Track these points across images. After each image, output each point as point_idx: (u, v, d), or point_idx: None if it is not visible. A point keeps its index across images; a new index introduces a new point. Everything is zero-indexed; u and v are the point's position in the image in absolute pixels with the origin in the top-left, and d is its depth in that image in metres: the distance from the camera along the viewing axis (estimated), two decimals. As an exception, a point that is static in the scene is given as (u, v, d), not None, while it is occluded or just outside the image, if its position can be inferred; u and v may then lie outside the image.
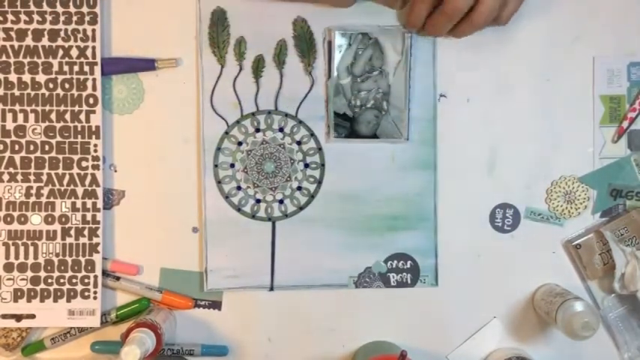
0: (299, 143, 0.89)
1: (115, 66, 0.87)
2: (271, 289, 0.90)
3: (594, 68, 0.90)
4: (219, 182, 0.89)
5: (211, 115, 0.88)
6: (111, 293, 0.89)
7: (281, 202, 0.89)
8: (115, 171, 0.89)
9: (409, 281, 0.90)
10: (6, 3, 0.86)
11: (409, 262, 0.90)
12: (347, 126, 0.89)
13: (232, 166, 0.89)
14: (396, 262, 0.90)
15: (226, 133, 0.89)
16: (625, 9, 0.90)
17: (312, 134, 0.89)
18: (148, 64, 0.87)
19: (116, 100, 0.88)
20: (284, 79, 0.88)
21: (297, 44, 0.88)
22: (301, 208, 0.89)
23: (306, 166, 0.89)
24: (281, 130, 0.89)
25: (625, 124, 0.90)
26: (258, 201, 0.89)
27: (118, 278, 0.89)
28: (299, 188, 0.89)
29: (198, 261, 0.89)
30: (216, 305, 0.90)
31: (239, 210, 0.89)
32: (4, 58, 0.86)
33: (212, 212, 0.89)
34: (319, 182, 0.89)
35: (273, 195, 0.89)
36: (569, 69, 0.90)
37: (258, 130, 0.89)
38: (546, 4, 0.89)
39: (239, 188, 0.89)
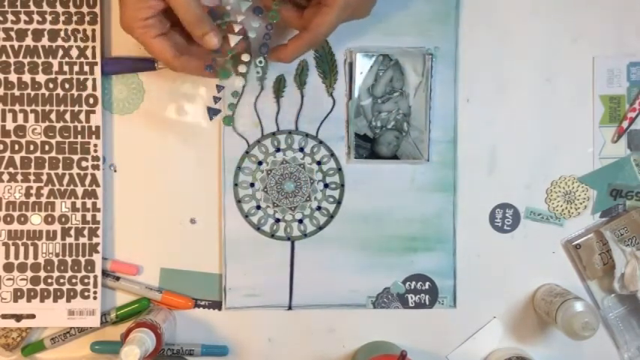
0: (319, 163, 0.89)
1: (115, 66, 0.87)
2: (289, 308, 0.90)
3: (594, 68, 0.90)
4: (238, 201, 0.89)
5: (232, 134, 0.88)
6: (111, 293, 0.89)
7: (300, 221, 0.89)
8: (115, 171, 0.89)
9: (427, 302, 0.90)
10: (6, 3, 0.86)
11: (427, 284, 0.90)
12: (367, 147, 0.89)
13: (252, 185, 0.89)
14: (414, 283, 0.90)
15: (247, 152, 0.89)
16: (625, 9, 0.89)
17: (332, 154, 0.89)
18: (147, 64, 0.87)
19: (116, 100, 0.88)
20: (305, 100, 0.88)
21: (318, 65, 0.88)
22: (320, 228, 0.90)
23: (326, 186, 0.89)
24: (301, 150, 0.89)
25: (625, 124, 0.90)
26: (277, 220, 0.89)
27: (117, 278, 0.89)
28: (318, 208, 0.89)
29: (197, 261, 0.89)
30: (216, 305, 0.90)
31: (258, 229, 0.89)
32: (4, 58, 0.86)
33: (231, 231, 0.89)
34: (339, 202, 0.89)
35: (292, 214, 0.89)
36: (569, 69, 0.90)
37: (278, 149, 0.89)
38: (546, 4, 0.89)
39: (259, 207, 0.89)
